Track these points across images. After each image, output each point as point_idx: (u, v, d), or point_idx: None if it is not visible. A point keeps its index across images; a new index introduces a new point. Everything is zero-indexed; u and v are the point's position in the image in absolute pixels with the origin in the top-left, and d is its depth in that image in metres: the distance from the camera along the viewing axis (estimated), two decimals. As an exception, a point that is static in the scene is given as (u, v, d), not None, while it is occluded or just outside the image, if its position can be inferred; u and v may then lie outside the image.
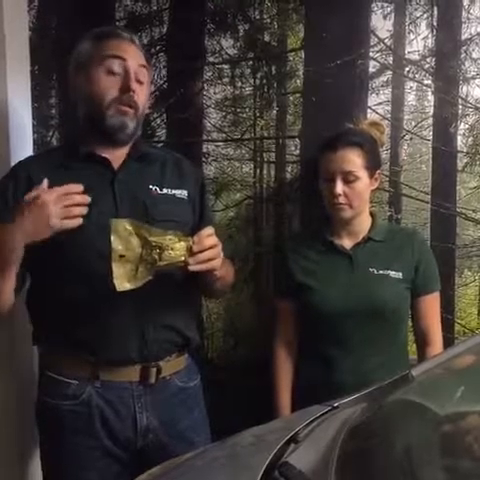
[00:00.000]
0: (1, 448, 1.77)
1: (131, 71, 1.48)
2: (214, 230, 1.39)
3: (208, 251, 1.36)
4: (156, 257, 1.32)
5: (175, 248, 1.33)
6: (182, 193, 1.58)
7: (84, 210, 1.35)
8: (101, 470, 1.51)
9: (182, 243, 1.33)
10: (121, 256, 1.32)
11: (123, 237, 1.32)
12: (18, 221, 1.33)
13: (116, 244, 1.32)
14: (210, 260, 1.37)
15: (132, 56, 1.50)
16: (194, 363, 1.66)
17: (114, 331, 1.47)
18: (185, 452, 1.35)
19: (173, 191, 1.56)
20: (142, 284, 1.34)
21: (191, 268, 1.35)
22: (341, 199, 1.73)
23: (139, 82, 1.51)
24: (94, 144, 1.52)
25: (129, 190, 1.51)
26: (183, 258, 1.34)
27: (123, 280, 1.32)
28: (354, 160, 1.72)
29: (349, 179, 1.72)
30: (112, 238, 1.32)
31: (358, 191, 1.73)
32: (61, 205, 1.32)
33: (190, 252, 1.34)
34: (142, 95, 1.52)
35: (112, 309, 1.45)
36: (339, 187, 1.72)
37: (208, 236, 1.37)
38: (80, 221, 1.35)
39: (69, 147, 1.58)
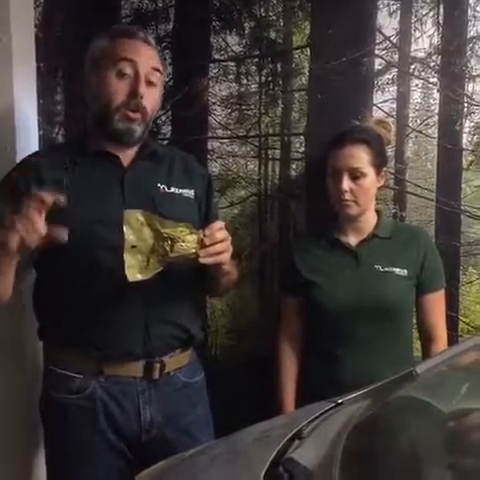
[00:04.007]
0: (6, 442, 1.78)
1: (141, 75, 1.47)
2: (224, 224, 1.40)
3: (218, 244, 1.37)
4: (167, 249, 1.33)
5: (186, 240, 1.33)
6: (189, 192, 1.59)
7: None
8: (105, 464, 1.52)
9: (193, 235, 1.34)
10: (133, 247, 1.32)
11: (135, 228, 1.33)
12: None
13: (128, 234, 1.32)
14: (220, 253, 1.38)
15: (144, 58, 1.48)
16: (198, 359, 1.66)
17: (119, 326, 1.48)
18: (188, 447, 1.36)
19: (180, 190, 1.57)
20: (152, 275, 1.34)
21: (201, 260, 1.36)
22: (347, 195, 1.73)
23: (150, 83, 1.49)
24: (103, 142, 1.52)
25: (138, 187, 1.51)
26: (194, 250, 1.34)
27: (135, 271, 1.33)
28: (361, 157, 1.72)
29: (356, 176, 1.72)
30: (124, 229, 1.32)
31: (364, 188, 1.73)
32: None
33: (201, 245, 1.35)
34: (152, 98, 1.51)
35: (117, 304, 1.46)
36: (346, 183, 1.72)
37: (219, 229, 1.38)
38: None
39: (77, 143, 1.57)
